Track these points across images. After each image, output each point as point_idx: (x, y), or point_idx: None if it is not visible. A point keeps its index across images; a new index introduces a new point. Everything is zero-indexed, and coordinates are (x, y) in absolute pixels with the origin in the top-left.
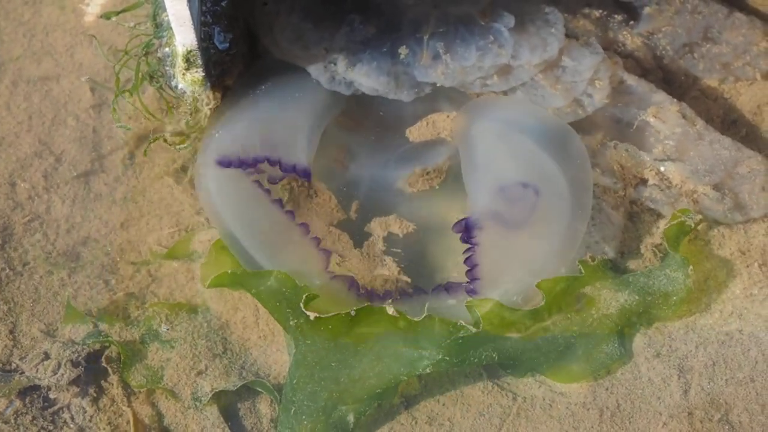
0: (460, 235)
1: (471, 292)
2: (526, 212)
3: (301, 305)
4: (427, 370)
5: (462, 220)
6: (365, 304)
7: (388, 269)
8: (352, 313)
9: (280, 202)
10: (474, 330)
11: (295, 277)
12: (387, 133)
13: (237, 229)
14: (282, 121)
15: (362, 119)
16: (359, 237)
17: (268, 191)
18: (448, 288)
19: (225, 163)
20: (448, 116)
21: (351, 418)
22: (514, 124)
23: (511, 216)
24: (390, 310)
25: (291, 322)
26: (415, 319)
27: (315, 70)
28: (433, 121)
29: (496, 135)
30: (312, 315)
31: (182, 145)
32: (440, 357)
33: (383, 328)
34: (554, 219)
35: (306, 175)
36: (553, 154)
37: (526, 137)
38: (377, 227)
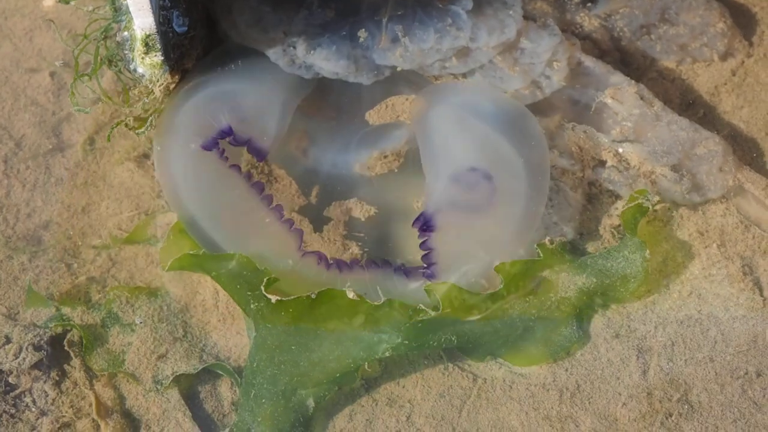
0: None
1: (429, 276)
2: (482, 197)
3: (262, 288)
4: (387, 354)
5: (421, 214)
6: (326, 288)
7: (351, 253)
8: (313, 295)
9: (257, 184)
10: (433, 313)
11: (267, 259)
12: (346, 116)
13: (203, 212)
14: (252, 92)
15: (321, 103)
16: (320, 222)
17: (238, 171)
18: (407, 272)
19: (208, 146)
20: (407, 99)
21: (311, 401)
22: (471, 109)
23: (467, 201)
24: (350, 294)
25: (251, 306)
26: (375, 303)
27: (274, 54)
28: (392, 104)
29: (453, 120)
30: (273, 298)
31: (140, 130)
32: (399, 341)
33: (343, 312)
34: (511, 201)
35: (260, 154)
36: (509, 137)
37: (482, 121)
38: (338, 211)
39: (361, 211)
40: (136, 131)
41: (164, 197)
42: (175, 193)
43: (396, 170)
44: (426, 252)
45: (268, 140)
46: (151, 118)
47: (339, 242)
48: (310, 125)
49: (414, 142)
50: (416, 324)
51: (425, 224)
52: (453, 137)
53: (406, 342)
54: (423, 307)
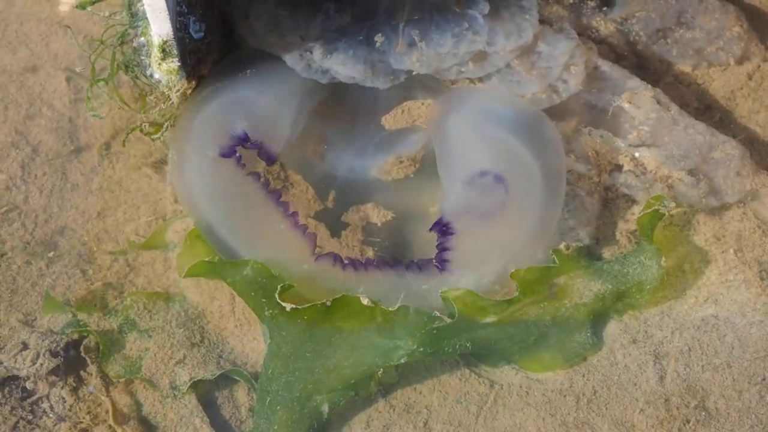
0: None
1: (442, 270)
2: (498, 201)
3: (276, 296)
4: (402, 361)
5: (439, 219)
6: (340, 295)
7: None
8: (327, 303)
9: (274, 192)
10: (448, 320)
11: (282, 265)
12: (363, 121)
13: (219, 219)
14: (266, 98)
15: (337, 108)
16: (337, 227)
17: (256, 179)
18: (421, 265)
19: (227, 153)
20: (423, 104)
21: (325, 408)
22: (487, 114)
23: (484, 206)
24: (365, 300)
25: (266, 312)
26: (390, 308)
27: (291, 59)
28: (409, 109)
29: (470, 126)
30: (288, 306)
31: (155, 135)
32: (415, 347)
33: (358, 319)
34: (527, 205)
35: (270, 159)
36: (526, 141)
37: (499, 126)
38: (355, 217)
39: (378, 216)
40: (152, 136)
41: (181, 203)
42: (192, 200)
43: (412, 175)
44: (441, 251)
45: (279, 145)
46: (167, 123)
47: (357, 247)
48: (327, 130)
49: (430, 146)
50: (432, 330)
51: (443, 229)
52: (470, 143)
53: (422, 349)
54: (439, 314)
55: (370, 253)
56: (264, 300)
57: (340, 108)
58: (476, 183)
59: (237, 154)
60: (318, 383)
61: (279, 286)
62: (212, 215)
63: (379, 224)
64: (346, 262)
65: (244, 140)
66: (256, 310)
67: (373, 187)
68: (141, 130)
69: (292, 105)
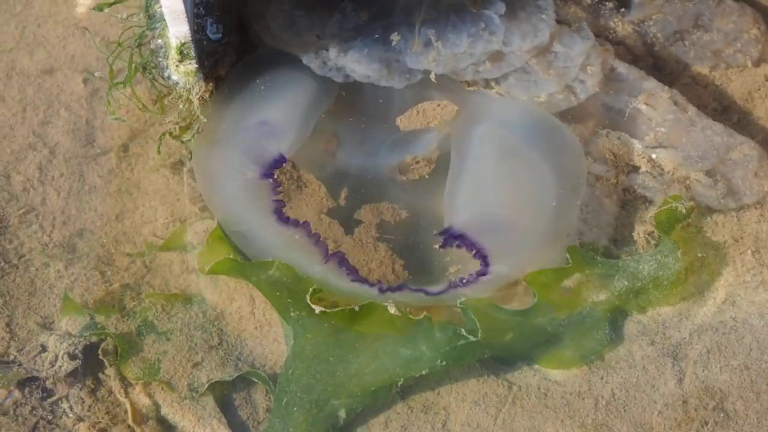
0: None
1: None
2: (514, 210)
3: (307, 298)
4: (424, 372)
5: (446, 229)
6: (368, 301)
7: (381, 255)
8: (356, 308)
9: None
10: (472, 339)
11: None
12: (376, 121)
13: (244, 234)
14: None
15: (351, 108)
16: (350, 224)
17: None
18: (467, 282)
19: (267, 174)
20: (438, 105)
21: (342, 413)
22: (505, 125)
23: (499, 214)
24: (392, 309)
25: (292, 314)
26: (414, 318)
27: (307, 57)
28: (423, 110)
29: (495, 141)
30: (317, 309)
31: (185, 137)
32: (438, 362)
33: (383, 327)
34: (543, 213)
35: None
36: (543, 151)
37: (516, 136)
38: (368, 214)
39: (392, 214)
40: (181, 139)
41: (198, 205)
42: (227, 215)
43: (427, 176)
44: (481, 258)
45: (290, 150)
46: (196, 125)
47: (370, 244)
48: (340, 129)
49: (445, 148)
50: (455, 347)
51: (450, 237)
52: (490, 156)
53: (444, 363)
54: (464, 333)
55: (383, 251)
56: (290, 301)
57: (354, 108)
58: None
59: (275, 177)
60: (338, 387)
61: (311, 289)
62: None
63: (392, 223)
64: (374, 284)
65: (281, 162)
66: (281, 311)
67: (386, 186)
68: (170, 134)
69: (304, 113)
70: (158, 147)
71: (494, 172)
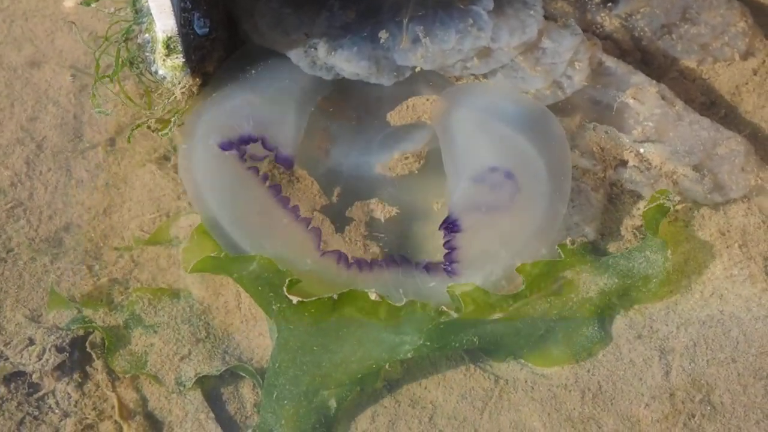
0: (441, 221)
1: (451, 273)
2: (504, 198)
3: (284, 289)
4: (408, 355)
5: (447, 217)
6: (348, 289)
7: (372, 253)
8: (335, 297)
9: (273, 186)
10: (455, 315)
11: (286, 259)
12: (367, 117)
13: (224, 213)
14: (270, 103)
15: (342, 105)
16: (342, 222)
17: (256, 173)
18: (429, 268)
19: (226, 146)
20: (428, 100)
21: (333, 402)
22: (492, 110)
23: (490, 202)
24: (372, 296)
25: (273, 307)
26: (397, 304)
27: (295, 56)
28: (413, 105)
29: (475, 122)
30: (294, 299)
31: (164, 131)
32: (421, 342)
33: (365, 313)
34: (533, 202)
35: (287, 163)
36: (531, 138)
37: (504, 123)
38: (359, 212)
39: (382, 211)
40: (160, 133)
41: (190, 199)
42: (198, 194)
43: (417, 171)
44: (449, 251)
45: (291, 147)
46: (174, 119)
47: (360, 242)
48: (332, 126)
49: (435, 142)
50: (438, 326)
51: (450, 226)
52: (475, 139)
53: (428, 343)
54: (445, 309)
55: (374, 248)
56: (271, 294)
57: (345, 105)
58: (486, 179)
59: (241, 150)
60: (325, 377)
61: (287, 280)
62: (216, 209)
63: (382, 220)
64: (351, 261)
65: (248, 140)
66: (263, 305)
67: (377, 182)
68: (148, 127)
69: (296, 105)
70: (129, 137)
71: (485, 153)
